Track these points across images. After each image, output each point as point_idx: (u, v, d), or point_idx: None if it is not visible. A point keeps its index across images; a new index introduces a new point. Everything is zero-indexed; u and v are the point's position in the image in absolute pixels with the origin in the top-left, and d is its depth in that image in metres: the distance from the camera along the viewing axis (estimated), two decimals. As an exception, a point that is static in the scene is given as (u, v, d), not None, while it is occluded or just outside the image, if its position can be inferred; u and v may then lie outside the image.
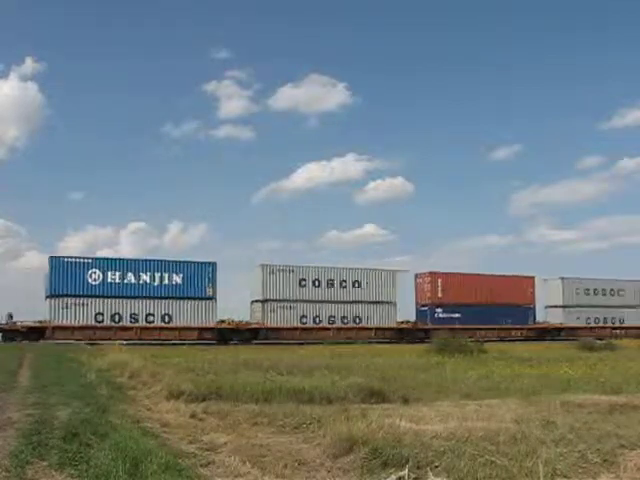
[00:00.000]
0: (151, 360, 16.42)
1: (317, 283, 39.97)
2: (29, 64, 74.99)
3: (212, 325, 36.66)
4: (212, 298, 36.76)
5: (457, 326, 39.24)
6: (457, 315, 42.35)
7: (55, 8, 79.92)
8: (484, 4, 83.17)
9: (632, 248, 73.29)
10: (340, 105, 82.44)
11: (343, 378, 11.38)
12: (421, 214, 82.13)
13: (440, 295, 43.27)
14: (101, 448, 5.52)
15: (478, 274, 45.21)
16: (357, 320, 40.50)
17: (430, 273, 44.13)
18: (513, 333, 44.02)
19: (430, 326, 41.06)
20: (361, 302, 40.85)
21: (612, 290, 49.38)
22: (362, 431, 6.05)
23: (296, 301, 39.16)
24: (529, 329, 45.27)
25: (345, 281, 40.68)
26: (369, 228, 75.48)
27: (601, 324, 47.84)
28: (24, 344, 29.84)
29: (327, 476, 5.30)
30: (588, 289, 48.58)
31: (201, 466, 5.44)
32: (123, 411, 8.12)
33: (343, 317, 40.14)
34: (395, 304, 41.82)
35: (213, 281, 36.92)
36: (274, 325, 38.42)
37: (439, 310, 42.95)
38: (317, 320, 39.55)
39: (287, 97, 74.94)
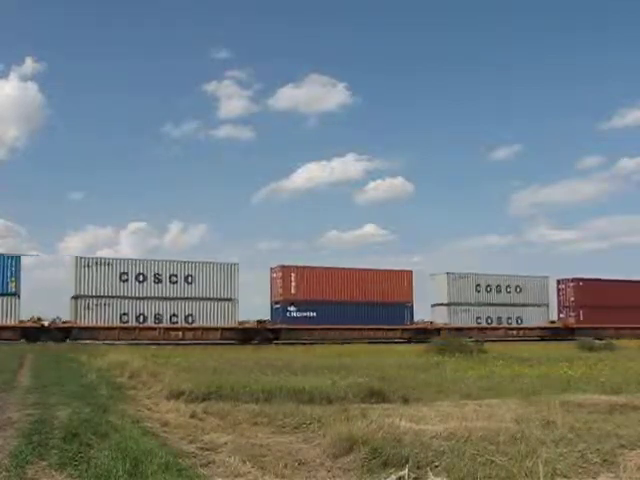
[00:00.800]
0: (151, 360, 16.42)
1: (142, 278, 35.50)
2: (29, 64, 74.97)
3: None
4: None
5: (313, 326, 37.27)
6: (313, 314, 38.21)
7: (55, 8, 79.96)
8: (484, 4, 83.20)
9: (632, 248, 73.34)
10: (340, 105, 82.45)
11: (343, 378, 11.39)
12: (421, 214, 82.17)
13: (293, 291, 38.37)
14: (101, 448, 5.52)
15: (342, 268, 40.82)
16: (190, 319, 36.15)
17: (282, 267, 39.16)
18: (384, 334, 39.36)
19: (280, 326, 37.63)
20: (194, 299, 36.32)
21: (509, 287, 45.27)
22: (362, 431, 6.05)
23: (116, 297, 34.77)
24: (404, 330, 40.53)
25: (176, 276, 36.22)
26: (369, 228, 75.46)
27: (494, 324, 43.84)
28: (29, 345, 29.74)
29: (327, 476, 5.30)
30: (479, 285, 44.30)
31: (201, 466, 5.44)
32: (123, 411, 8.12)
33: (173, 315, 35.80)
34: (236, 301, 37.24)
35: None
36: (88, 324, 34.14)
37: (292, 308, 38.19)
38: (141, 319, 35.11)
39: (287, 97, 74.97)
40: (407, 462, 5.16)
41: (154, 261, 36.91)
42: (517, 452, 5.37)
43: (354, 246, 75.29)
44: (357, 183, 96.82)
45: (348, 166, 77.34)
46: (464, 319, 43.14)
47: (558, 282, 47.31)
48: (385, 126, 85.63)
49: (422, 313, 43.50)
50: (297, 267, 39.39)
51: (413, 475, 4.94)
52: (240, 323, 37.42)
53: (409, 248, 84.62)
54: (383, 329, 39.55)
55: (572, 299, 46.61)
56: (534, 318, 45.47)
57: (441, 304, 43.43)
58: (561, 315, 46.90)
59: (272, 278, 39.67)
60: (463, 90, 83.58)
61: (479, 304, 43.88)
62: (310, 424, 7.26)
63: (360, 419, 6.78)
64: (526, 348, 26.97)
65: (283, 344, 33.01)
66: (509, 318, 44.86)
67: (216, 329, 36.37)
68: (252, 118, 78.11)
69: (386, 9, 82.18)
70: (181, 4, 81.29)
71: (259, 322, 38.45)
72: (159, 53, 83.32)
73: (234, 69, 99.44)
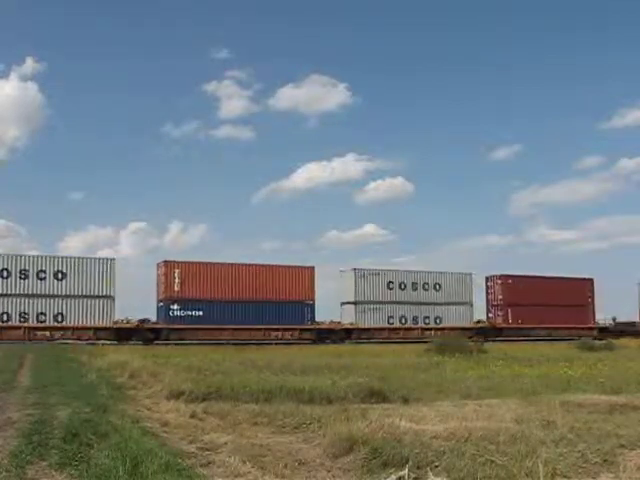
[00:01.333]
0: (151, 360, 16.42)
1: (5, 274, 34.02)
2: (29, 64, 74.99)
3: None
4: None
5: (199, 326, 35.66)
6: (199, 313, 36.28)
7: (55, 8, 79.93)
8: (484, 4, 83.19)
9: (632, 248, 73.33)
10: (340, 105, 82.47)
11: (343, 378, 11.39)
12: (421, 214, 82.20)
13: (177, 289, 36.41)
14: (101, 448, 5.52)
15: (234, 264, 38.43)
16: (59, 318, 34.33)
17: (165, 262, 37.08)
18: (281, 334, 37.41)
19: (161, 325, 36.09)
20: (66, 297, 34.62)
21: (426, 284, 42.37)
22: (362, 431, 6.05)
23: None
24: (303, 330, 38.18)
25: (44, 272, 34.57)
26: (369, 228, 75.44)
27: (409, 324, 41.18)
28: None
29: (327, 476, 5.30)
30: (392, 282, 41.39)
31: (201, 466, 5.44)
32: (123, 411, 8.12)
33: (40, 314, 33.95)
34: (113, 298, 35.54)
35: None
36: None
37: (175, 307, 36.23)
38: (5, 317, 33.53)
39: (287, 97, 74.99)
40: (407, 462, 5.16)
41: (20, 256, 35.23)
42: (517, 452, 5.37)
43: (354, 246, 75.36)
44: (357, 183, 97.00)
45: (348, 166, 77.43)
46: (374, 319, 40.62)
47: (487, 279, 45.35)
48: (385, 126, 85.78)
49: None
50: (182, 263, 37.24)
51: (413, 475, 4.94)
52: (115, 322, 35.74)
53: (409, 248, 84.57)
54: (279, 329, 37.56)
55: (500, 297, 44.29)
56: (455, 318, 42.67)
57: (348, 302, 40.79)
58: (490, 315, 44.75)
59: (157, 275, 37.79)
60: (463, 90, 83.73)
61: (391, 302, 41.25)
62: (310, 424, 7.26)
63: (360, 419, 6.78)
64: (526, 348, 26.96)
65: (165, 344, 31.45)
66: (426, 318, 42.08)
67: (89, 328, 34.84)
68: (252, 118, 78.28)
69: (386, 9, 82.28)
70: (181, 4, 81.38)
71: (140, 321, 36.75)
72: (159, 53, 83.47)
73: (234, 69, 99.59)
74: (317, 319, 39.40)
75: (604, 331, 44.63)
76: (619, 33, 79.45)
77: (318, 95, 77.22)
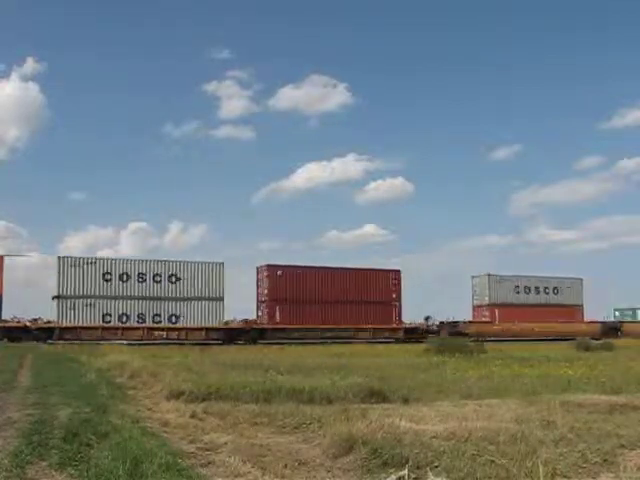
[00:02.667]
0: (151, 360, 16.41)
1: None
2: (30, 64, 75.01)
3: None
4: None
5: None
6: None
7: (56, 8, 79.91)
8: (484, 4, 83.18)
9: (632, 248, 73.33)
10: (341, 105, 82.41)
11: (343, 378, 11.38)
12: (421, 214, 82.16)
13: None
14: (101, 448, 5.52)
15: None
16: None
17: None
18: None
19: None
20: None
21: (158, 275, 35.58)
22: (362, 431, 6.05)
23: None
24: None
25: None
26: (369, 228, 75.43)
27: (133, 323, 34.68)
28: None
29: (327, 476, 5.30)
30: (110, 273, 34.81)
31: (201, 466, 5.44)
32: (123, 411, 8.12)
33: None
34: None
35: None
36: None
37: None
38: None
39: (288, 97, 74.97)
40: (407, 462, 5.16)
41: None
42: (517, 452, 5.36)
43: (354, 246, 75.34)
44: (357, 183, 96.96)
45: (348, 166, 77.44)
46: (86, 316, 34.31)
47: (257, 271, 39.35)
48: (385, 126, 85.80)
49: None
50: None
51: (413, 475, 4.94)
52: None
53: (409, 248, 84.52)
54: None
55: (266, 292, 38.10)
56: (200, 316, 36.27)
57: (58, 297, 34.75)
58: (259, 313, 38.70)
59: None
60: (463, 90, 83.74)
61: (107, 297, 34.77)
62: (310, 424, 7.25)
63: (360, 419, 6.78)
64: (525, 348, 26.96)
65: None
66: (156, 315, 35.36)
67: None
68: (253, 118, 78.32)
69: (386, 9, 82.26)
70: (181, 4, 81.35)
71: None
72: (159, 53, 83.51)
73: (235, 69, 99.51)
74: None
75: (412, 332, 39.60)
76: (619, 33, 79.56)
77: (318, 95, 77.32)
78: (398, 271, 41.49)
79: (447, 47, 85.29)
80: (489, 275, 46.31)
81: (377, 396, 9.68)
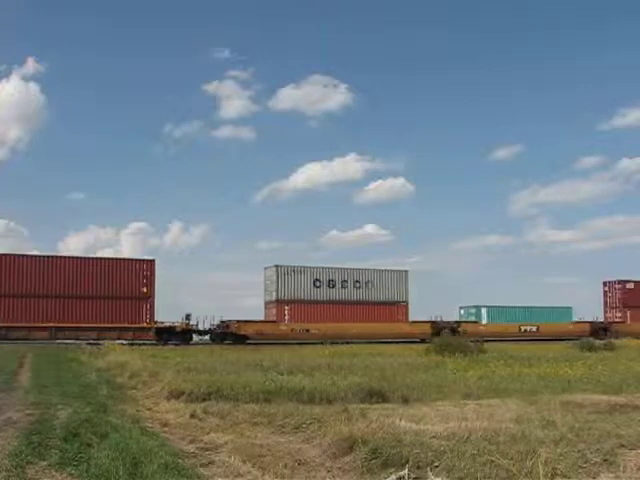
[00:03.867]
0: (151, 360, 16.41)
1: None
2: (31, 64, 74.96)
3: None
4: None
5: None
6: None
7: (56, 8, 79.95)
8: (484, 4, 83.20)
9: (632, 248, 73.28)
10: (341, 105, 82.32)
11: (343, 378, 11.39)
12: (421, 214, 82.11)
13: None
14: (101, 448, 5.52)
15: None
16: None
17: None
18: None
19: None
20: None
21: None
22: (362, 431, 6.05)
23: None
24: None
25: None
26: (369, 228, 75.27)
27: None
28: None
29: (327, 476, 5.30)
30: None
31: (201, 466, 5.44)
32: (123, 411, 8.12)
33: None
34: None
35: None
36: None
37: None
38: None
39: (288, 97, 74.88)
40: (407, 462, 5.16)
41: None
42: (517, 452, 5.37)
43: (354, 246, 75.25)
44: (358, 183, 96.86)
45: (349, 166, 77.31)
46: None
47: None
48: (386, 126, 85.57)
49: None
50: None
51: (413, 475, 4.94)
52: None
53: (409, 248, 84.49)
54: None
55: None
56: None
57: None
58: None
59: None
60: (463, 90, 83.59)
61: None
62: (310, 424, 7.25)
63: (360, 419, 6.78)
64: (526, 348, 26.95)
65: None
66: None
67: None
68: (253, 118, 78.17)
69: (387, 9, 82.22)
70: (182, 4, 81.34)
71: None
72: (160, 53, 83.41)
73: (235, 69, 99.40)
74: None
75: (166, 332, 33.76)
76: (619, 33, 79.46)
77: (319, 95, 77.27)
78: (152, 261, 35.02)
79: (447, 47, 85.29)
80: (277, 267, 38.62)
81: (377, 396, 9.68)
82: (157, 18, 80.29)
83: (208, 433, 6.93)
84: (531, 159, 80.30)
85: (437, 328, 38.58)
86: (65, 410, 7.84)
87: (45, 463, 5.25)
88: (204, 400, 9.21)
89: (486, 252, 76.03)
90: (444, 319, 41.94)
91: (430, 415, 7.53)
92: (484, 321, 43.11)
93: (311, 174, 76.78)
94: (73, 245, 68.22)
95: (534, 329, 43.25)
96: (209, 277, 69.43)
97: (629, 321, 46.34)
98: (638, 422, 7.19)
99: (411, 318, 40.33)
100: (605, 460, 5.42)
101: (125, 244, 68.62)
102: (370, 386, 10.22)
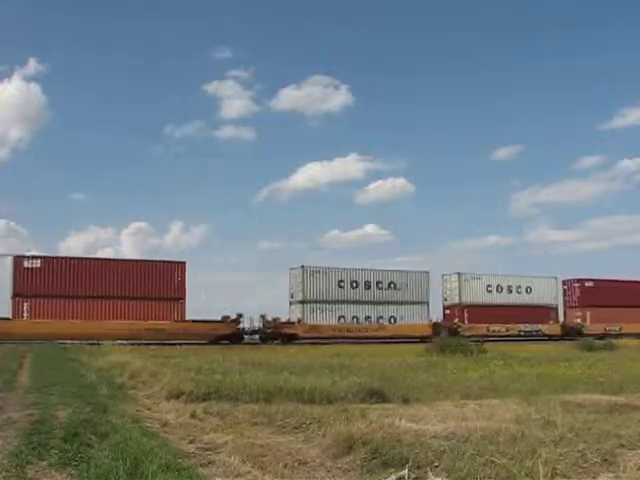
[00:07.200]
0: (151, 360, 16.40)
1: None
2: (32, 65, 75.00)
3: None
4: None
5: None
6: None
7: (57, 9, 79.93)
8: (484, 4, 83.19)
9: (632, 248, 73.30)
10: (342, 106, 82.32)
11: (343, 378, 11.38)
12: (422, 214, 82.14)
13: None
14: (101, 448, 5.52)
15: None
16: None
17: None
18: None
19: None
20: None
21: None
22: (362, 431, 6.06)
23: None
24: None
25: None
26: (370, 228, 75.37)
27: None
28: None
29: (327, 476, 5.30)
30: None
31: (201, 466, 5.44)
32: (123, 411, 8.12)
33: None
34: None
35: None
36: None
37: None
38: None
39: (289, 98, 74.92)
40: (407, 462, 5.16)
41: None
42: (517, 452, 5.37)
43: (355, 246, 75.30)
44: (358, 183, 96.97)
45: (349, 166, 77.38)
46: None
47: None
48: (386, 127, 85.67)
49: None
50: None
51: (413, 475, 4.94)
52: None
53: (409, 248, 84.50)
54: None
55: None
56: None
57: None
58: None
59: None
60: (463, 90, 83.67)
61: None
62: (310, 424, 7.25)
63: (360, 419, 6.79)
64: (526, 348, 26.93)
65: None
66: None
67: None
68: (254, 118, 78.20)
69: (387, 9, 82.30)
70: (182, 4, 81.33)
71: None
72: (160, 53, 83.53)
73: (236, 69, 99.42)
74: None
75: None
76: (619, 33, 79.49)
77: (320, 96, 77.30)
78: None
79: (447, 47, 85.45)
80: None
81: (377, 396, 9.67)
82: (157, 18, 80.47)
83: (208, 433, 6.93)
84: (531, 159, 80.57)
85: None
86: (65, 410, 7.83)
87: (45, 463, 5.25)
88: (204, 400, 9.21)
89: (486, 252, 76.05)
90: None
91: (430, 415, 7.53)
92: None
93: (312, 174, 76.98)
94: (74, 245, 68.33)
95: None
96: (209, 277, 69.47)
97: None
98: (638, 422, 7.19)
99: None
100: (605, 460, 5.42)
101: (125, 244, 68.73)
102: (370, 386, 10.22)
